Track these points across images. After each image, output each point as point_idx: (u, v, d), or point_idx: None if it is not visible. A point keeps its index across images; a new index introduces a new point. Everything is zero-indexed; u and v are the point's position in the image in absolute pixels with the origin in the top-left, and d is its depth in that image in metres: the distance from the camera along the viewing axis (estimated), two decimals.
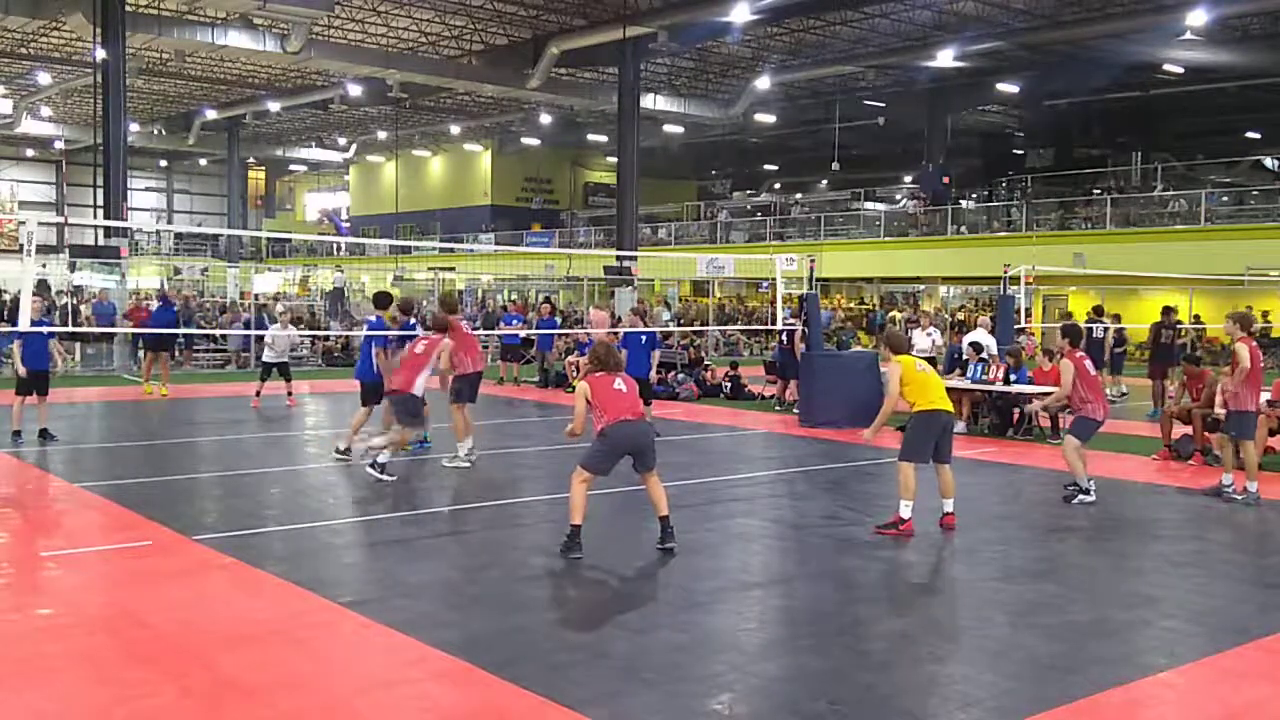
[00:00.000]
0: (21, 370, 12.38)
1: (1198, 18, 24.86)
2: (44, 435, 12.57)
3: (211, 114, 47.87)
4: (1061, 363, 10.02)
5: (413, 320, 12.19)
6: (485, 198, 52.66)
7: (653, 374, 14.44)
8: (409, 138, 51.72)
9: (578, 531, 7.46)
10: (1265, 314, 28.64)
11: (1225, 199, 31.81)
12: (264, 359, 17.31)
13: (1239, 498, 9.89)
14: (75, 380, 20.62)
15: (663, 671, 5.27)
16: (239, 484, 10.33)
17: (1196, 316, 24.35)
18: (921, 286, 41.05)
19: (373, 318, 12.26)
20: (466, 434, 11.26)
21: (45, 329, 12.80)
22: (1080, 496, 9.76)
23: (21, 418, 12.51)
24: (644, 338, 14.12)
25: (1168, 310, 17.76)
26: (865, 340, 30.42)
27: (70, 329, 21.64)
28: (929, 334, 16.02)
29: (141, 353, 21.35)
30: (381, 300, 12.35)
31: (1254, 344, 10.00)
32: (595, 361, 7.94)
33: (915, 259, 36.15)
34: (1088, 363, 10.04)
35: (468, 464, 11.11)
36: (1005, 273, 16.91)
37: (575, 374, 20.80)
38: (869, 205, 41.54)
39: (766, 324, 26.47)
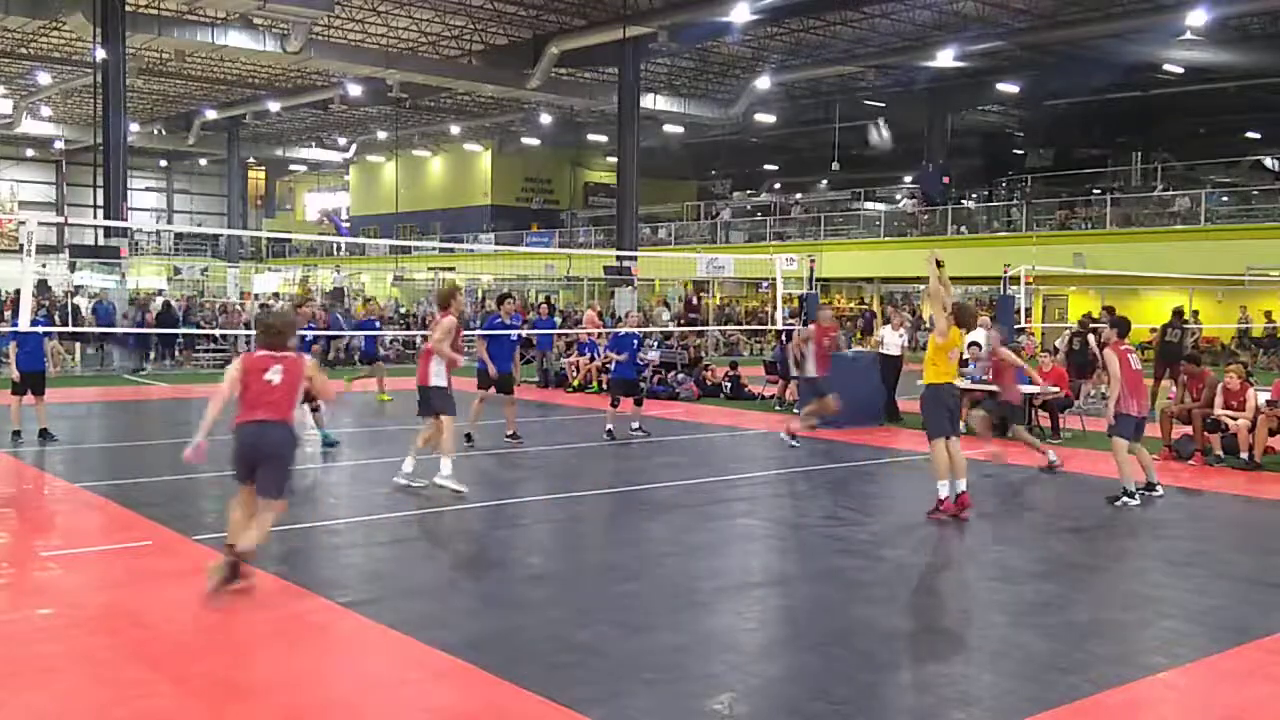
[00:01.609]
0: (15, 374, 12.42)
1: (1198, 18, 24.85)
2: (44, 435, 12.54)
3: (211, 114, 47.85)
4: (1106, 354, 9.94)
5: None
6: (485, 198, 52.63)
7: (649, 366, 14.66)
8: (409, 138, 51.69)
9: (231, 551, 6.18)
10: (1268, 313, 28.63)
11: (1225, 199, 31.79)
12: None
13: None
14: (75, 380, 20.62)
15: (663, 671, 5.27)
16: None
17: (1195, 313, 24.37)
18: (922, 286, 40.99)
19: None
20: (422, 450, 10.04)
21: (41, 329, 12.82)
22: (1124, 499, 9.57)
23: (19, 417, 12.53)
24: (635, 340, 14.21)
25: (1177, 312, 17.83)
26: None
27: (70, 329, 21.67)
28: (899, 334, 16.13)
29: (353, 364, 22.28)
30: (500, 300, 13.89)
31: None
32: (261, 331, 6.56)
33: (915, 259, 36.06)
34: (1132, 357, 9.90)
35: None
36: (1005, 273, 16.91)
37: (575, 373, 20.86)
38: (869, 205, 41.53)
39: (759, 326, 26.44)
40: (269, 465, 6.25)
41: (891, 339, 15.94)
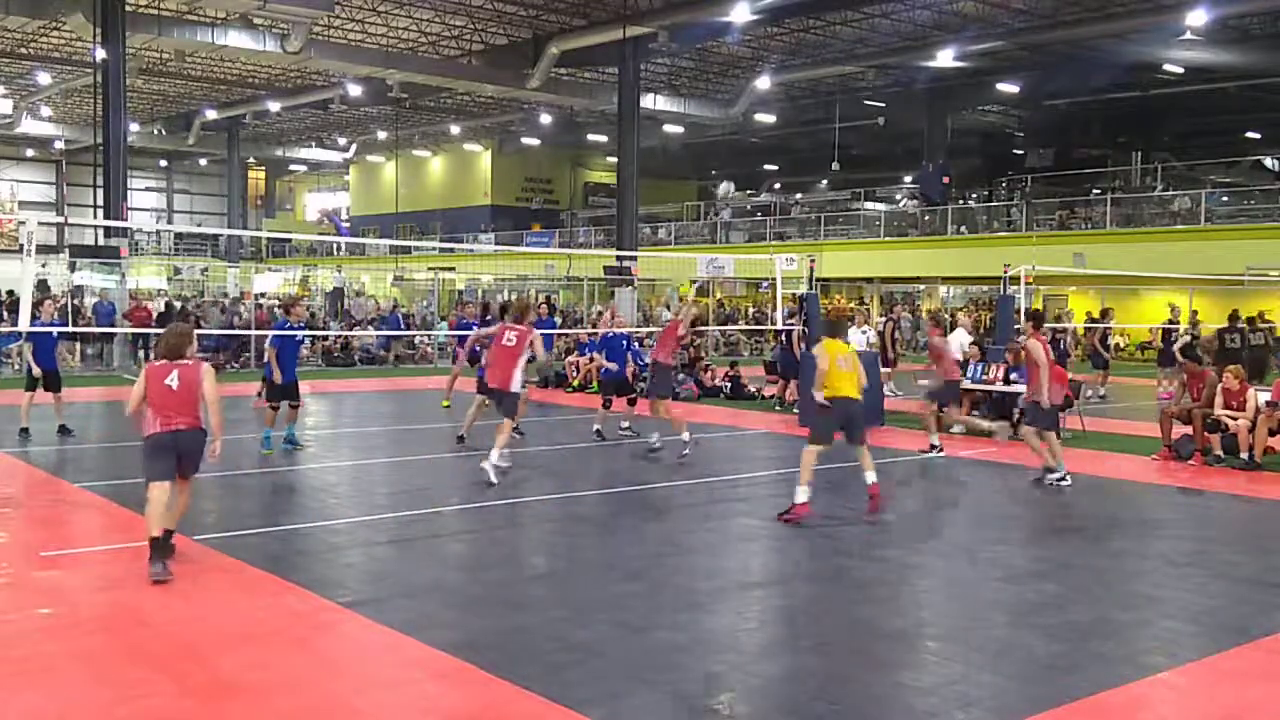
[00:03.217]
0: (36, 370, 12.74)
1: (1198, 18, 24.85)
2: (63, 430, 12.85)
3: (211, 114, 47.83)
4: (1030, 343, 10.46)
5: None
6: (485, 198, 52.62)
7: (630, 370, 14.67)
8: (409, 138, 51.68)
9: (157, 544, 6.69)
10: (1262, 313, 28.60)
11: (1225, 199, 31.80)
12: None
13: None
14: (75, 380, 20.59)
15: (663, 671, 5.27)
16: (239, 484, 10.32)
17: (1194, 313, 24.35)
18: (923, 286, 41.03)
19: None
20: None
21: (55, 329, 13.24)
22: (1049, 477, 10.37)
23: (28, 415, 12.73)
24: (623, 341, 14.26)
25: (1233, 315, 17.90)
26: None
27: (70, 329, 21.67)
28: (863, 332, 16.52)
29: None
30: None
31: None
32: (159, 342, 7.21)
33: (915, 259, 36.14)
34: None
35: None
36: (1005, 273, 16.92)
37: (575, 374, 20.86)
38: (869, 205, 41.53)
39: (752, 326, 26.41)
40: (188, 459, 6.98)
41: (856, 337, 16.19)
